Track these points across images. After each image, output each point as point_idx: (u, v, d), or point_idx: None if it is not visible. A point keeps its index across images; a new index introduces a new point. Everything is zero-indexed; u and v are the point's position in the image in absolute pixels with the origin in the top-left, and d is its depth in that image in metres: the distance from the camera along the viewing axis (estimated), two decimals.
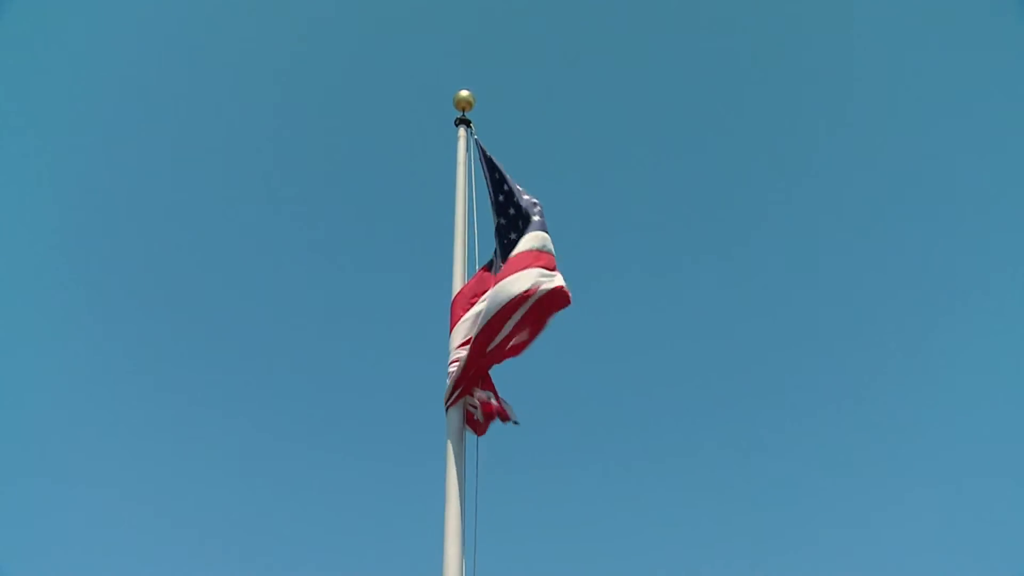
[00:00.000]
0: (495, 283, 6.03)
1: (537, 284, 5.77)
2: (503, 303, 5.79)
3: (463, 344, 6.04)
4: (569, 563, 16.60)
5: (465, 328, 6.15)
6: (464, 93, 7.66)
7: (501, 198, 6.95)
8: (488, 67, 21.86)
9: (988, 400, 17.83)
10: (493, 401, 5.85)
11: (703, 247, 21.40)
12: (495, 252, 6.86)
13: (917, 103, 20.53)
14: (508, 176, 7.00)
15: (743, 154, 21.85)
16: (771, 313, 21.00)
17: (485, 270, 6.71)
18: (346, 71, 21.90)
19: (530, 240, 6.17)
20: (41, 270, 18.32)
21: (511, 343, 5.90)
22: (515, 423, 5.83)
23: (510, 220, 6.83)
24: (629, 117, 22.50)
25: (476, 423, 5.92)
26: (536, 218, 6.42)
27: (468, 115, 7.60)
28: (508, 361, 6.08)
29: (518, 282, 5.81)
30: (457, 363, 5.94)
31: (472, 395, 5.93)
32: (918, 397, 18.83)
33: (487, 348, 5.88)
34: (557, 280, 5.82)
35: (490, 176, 7.12)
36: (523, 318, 5.85)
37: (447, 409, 5.93)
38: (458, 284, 6.53)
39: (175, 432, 18.04)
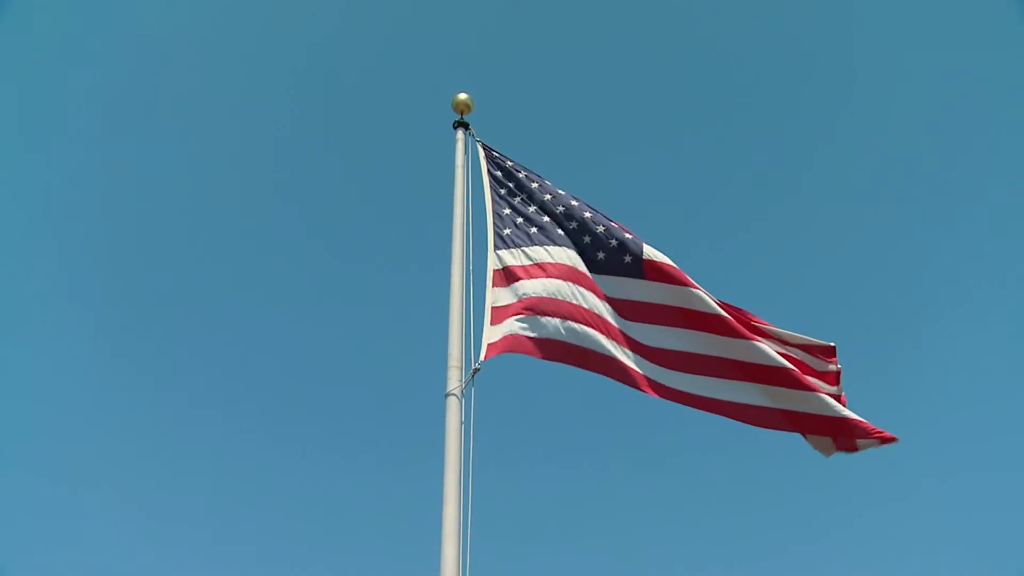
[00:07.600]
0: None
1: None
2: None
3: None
4: (568, 562, 16.66)
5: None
6: (462, 96, 7.70)
7: (536, 190, 7.12)
8: (487, 70, 21.94)
9: (987, 397, 17.91)
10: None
11: (701, 245, 21.47)
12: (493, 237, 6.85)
13: (917, 103, 20.61)
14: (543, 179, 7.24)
15: (739, 152, 21.92)
16: (769, 309, 21.01)
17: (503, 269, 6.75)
18: (345, 75, 21.97)
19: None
20: (40, 269, 18.38)
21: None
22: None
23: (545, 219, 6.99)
24: (628, 119, 22.59)
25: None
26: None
27: (467, 118, 7.64)
28: (508, 357, 6.20)
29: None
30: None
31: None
32: (916, 394, 18.92)
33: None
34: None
35: (510, 174, 7.21)
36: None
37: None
38: (456, 283, 6.51)
39: (174, 432, 18.11)
